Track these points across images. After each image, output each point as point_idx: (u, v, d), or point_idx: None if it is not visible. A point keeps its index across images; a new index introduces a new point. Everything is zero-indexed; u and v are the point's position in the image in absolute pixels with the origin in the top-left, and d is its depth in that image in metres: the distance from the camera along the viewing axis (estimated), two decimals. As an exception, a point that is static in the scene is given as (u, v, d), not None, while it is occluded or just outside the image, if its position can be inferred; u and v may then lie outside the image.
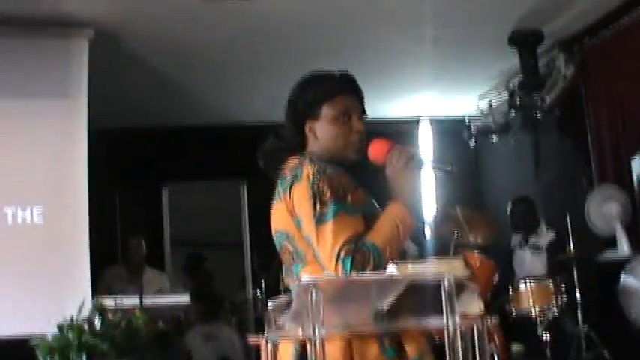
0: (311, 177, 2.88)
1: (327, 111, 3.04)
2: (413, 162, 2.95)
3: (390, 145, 2.99)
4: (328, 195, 2.85)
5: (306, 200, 2.87)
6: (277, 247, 3.05)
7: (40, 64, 6.39)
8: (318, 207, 2.84)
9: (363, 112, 3.10)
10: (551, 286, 6.52)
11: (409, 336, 2.86)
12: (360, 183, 3.01)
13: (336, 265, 2.73)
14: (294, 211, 2.92)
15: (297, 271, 2.93)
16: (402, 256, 2.85)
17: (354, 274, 2.69)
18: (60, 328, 4.80)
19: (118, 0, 6.26)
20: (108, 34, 6.65)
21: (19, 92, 6.29)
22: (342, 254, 2.74)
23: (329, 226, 2.80)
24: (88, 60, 6.47)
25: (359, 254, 2.74)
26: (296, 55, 7.50)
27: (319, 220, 2.82)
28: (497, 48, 7.49)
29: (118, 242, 8.59)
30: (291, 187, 2.94)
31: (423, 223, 6.85)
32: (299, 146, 3.11)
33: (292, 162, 3.02)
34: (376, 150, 2.99)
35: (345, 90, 3.09)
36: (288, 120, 3.14)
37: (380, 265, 2.72)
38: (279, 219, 3.01)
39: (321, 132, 3.06)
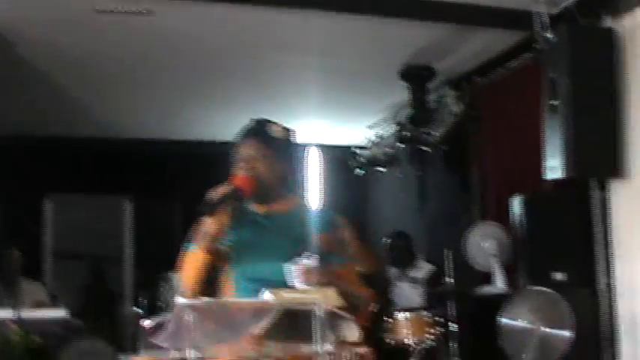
0: None
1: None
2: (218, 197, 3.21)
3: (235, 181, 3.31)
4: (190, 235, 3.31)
5: None
6: None
7: None
8: None
9: (267, 151, 3.40)
10: (427, 317, 6.65)
11: None
12: None
13: None
14: None
15: None
16: None
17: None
18: None
19: (12, 2, 6.13)
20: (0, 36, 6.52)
21: None
22: None
23: None
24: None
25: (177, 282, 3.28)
26: (191, 76, 7.51)
27: None
28: (388, 81, 7.58)
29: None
30: None
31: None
32: None
33: None
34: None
35: (247, 136, 3.44)
36: None
37: (181, 289, 3.20)
38: None
39: None
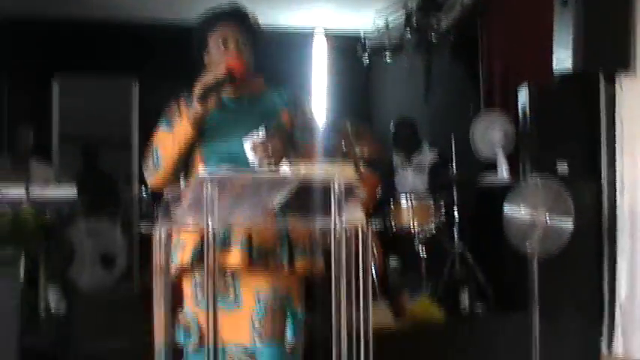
0: None
1: (209, 42, 3.43)
2: (211, 82, 3.25)
3: (227, 62, 3.31)
4: (164, 115, 3.44)
5: None
6: None
7: None
8: None
9: (245, 36, 3.43)
10: (431, 204, 6.73)
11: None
12: None
13: None
14: None
15: None
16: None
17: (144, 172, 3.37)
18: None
19: None
20: None
21: None
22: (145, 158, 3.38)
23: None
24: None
25: (147, 155, 3.40)
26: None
27: None
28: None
29: (4, 135, 8.45)
30: None
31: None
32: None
33: None
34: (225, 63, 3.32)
35: (224, 19, 3.44)
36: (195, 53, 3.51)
37: (156, 165, 3.35)
38: None
39: (208, 60, 3.44)
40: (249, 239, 3.15)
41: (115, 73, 8.78)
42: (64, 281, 6.92)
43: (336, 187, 2.47)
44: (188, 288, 3.32)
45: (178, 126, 3.32)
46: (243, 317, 3.23)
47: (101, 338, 5.49)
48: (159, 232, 2.68)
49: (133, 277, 7.79)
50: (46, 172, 7.72)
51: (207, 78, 3.25)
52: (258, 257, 3.19)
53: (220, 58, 3.38)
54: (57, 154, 8.86)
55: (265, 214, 2.67)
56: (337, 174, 2.53)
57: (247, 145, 3.15)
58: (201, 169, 2.64)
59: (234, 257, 3.16)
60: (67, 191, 6.48)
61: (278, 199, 2.56)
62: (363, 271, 2.65)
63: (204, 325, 3.15)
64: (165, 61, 8.34)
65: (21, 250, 4.93)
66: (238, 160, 3.14)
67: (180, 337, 3.33)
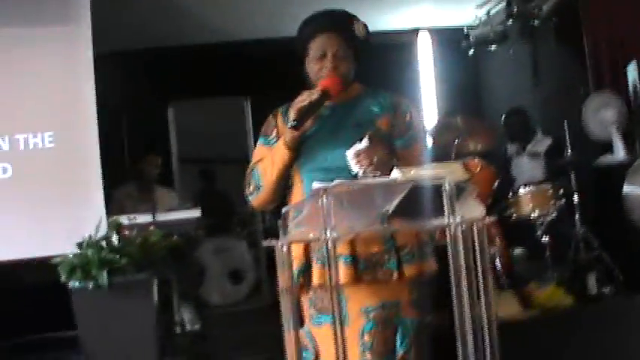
0: None
1: (309, 51, 3.40)
2: (307, 105, 3.22)
3: (322, 83, 3.30)
4: (263, 130, 3.52)
5: None
6: None
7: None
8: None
9: (343, 46, 3.36)
10: (549, 190, 6.67)
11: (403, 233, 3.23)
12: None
13: None
14: None
15: None
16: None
17: (245, 192, 3.42)
18: (79, 246, 4.96)
19: None
20: (107, -44, 6.69)
21: (22, 20, 6.33)
22: (246, 175, 3.44)
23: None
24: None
25: (249, 176, 3.44)
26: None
27: None
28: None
29: (127, 162, 8.71)
30: None
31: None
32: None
33: None
34: (322, 84, 3.31)
35: (323, 30, 3.37)
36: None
37: (258, 187, 3.40)
38: None
39: (308, 70, 3.43)
40: (354, 252, 3.16)
41: (227, 93, 8.96)
42: (197, 299, 7.12)
43: (447, 187, 2.51)
44: (305, 305, 3.31)
45: (276, 150, 3.34)
46: (352, 333, 3.13)
47: (235, 352, 5.65)
48: (279, 247, 2.76)
49: (262, 291, 7.96)
50: (169, 195, 7.94)
51: (303, 101, 3.22)
52: (365, 270, 3.17)
53: (317, 68, 3.36)
54: (178, 177, 9.11)
55: (380, 222, 2.70)
56: (447, 175, 2.57)
57: (350, 155, 3.12)
58: (315, 184, 2.66)
59: (340, 273, 3.02)
60: (191, 213, 6.66)
61: (392, 205, 2.62)
62: (482, 266, 2.67)
63: (318, 343, 3.24)
64: (274, 76, 8.51)
65: (152, 273, 5.10)
66: (337, 169, 3.12)
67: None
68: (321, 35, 3.36)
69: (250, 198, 3.46)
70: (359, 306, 3.19)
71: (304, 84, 3.43)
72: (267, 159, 3.38)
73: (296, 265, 3.17)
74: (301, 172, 3.33)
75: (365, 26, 3.44)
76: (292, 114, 3.22)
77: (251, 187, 3.42)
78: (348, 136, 3.24)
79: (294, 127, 3.21)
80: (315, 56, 3.36)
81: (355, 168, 3.11)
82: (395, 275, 3.18)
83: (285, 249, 2.74)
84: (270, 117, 3.52)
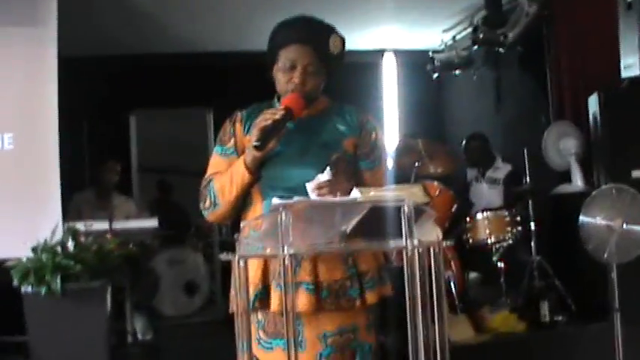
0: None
1: (278, 62, 3.21)
2: (270, 124, 3.05)
3: (284, 101, 3.14)
4: (219, 136, 3.35)
5: None
6: None
7: (9, -10, 6.40)
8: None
9: (315, 59, 3.17)
10: (507, 217, 6.73)
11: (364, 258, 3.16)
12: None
13: None
14: None
15: None
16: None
17: (200, 205, 3.25)
18: (34, 250, 4.92)
19: None
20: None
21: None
22: (201, 187, 3.27)
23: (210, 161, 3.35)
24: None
25: (205, 190, 3.26)
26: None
27: None
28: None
29: (86, 167, 8.66)
30: None
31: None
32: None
33: None
34: (283, 102, 3.17)
35: (295, 40, 3.18)
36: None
37: (215, 204, 3.23)
38: None
39: (275, 78, 3.27)
40: (316, 280, 3.06)
41: (190, 103, 8.94)
42: (150, 309, 7.08)
43: (407, 209, 2.52)
44: (252, 327, 3.02)
45: (236, 169, 3.17)
46: (308, 359, 3.07)
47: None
48: (237, 260, 2.74)
49: (216, 304, 7.93)
50: (127, 203, 7.90)
51: (266, 120, 3.04)
52: (327, 297, 3.06)
53: (284, 80, 3.19)
54: (137, 186, 9.06)
55: (337, 241, 2.69)
56: (407, 196, 2.57)
57: (311, 187, 2.97)
58: (274, 200, 2.62)
59: (301, 301, 3.01)
60: (149, 222, 6.64)
61: (351, 224, 2.62)
62: (437, 289, 2.68)
63: None
64: (237, 88, 8.50)
65: (107, 281, 5.06)
66: (302, 190, 2.96)
67: None
68: (294, 45, 3.17)
69: (205, 213, 3.30)
70: (316, 331, 3.10)
71: (267, 97, 3.35)
72: (226, 176, 3.20)
73: (252, 290, 3.04)
74: (262, 191, 3.17)
75: (342, 41, 3.28)
76: (255, 134, 3.05)
77: (206, 203, 3.25)
78: (315, 156, 3.13)
79: (257, 148, 3.05)
80: (285, 67, 3.18)
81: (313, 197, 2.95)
82: (358, 303, 3.10)
83: (242, 264, 2.72)
84: (227, 122, 3.34)
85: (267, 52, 3.25)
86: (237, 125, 3.29)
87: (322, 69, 3.21)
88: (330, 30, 3.25)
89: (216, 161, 3.31)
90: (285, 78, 3.19)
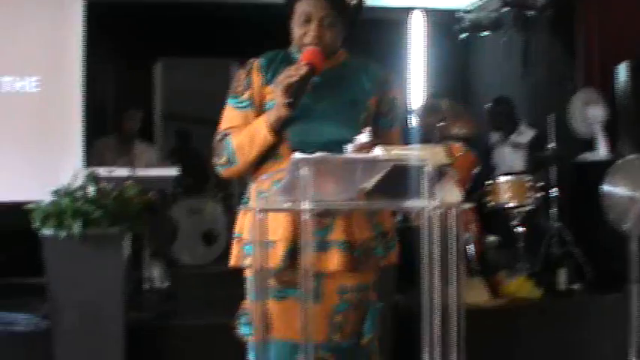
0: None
1: (294, 13, 3.15)
2: (296, 82, 2.98)
3: (305, 56, 3.07)
4: (232, 87, 3.22)
5: None
6: None
7: None
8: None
9: (331, 15, 3.11)
10: (528, 181, 6.70)
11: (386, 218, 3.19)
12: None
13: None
14: None
15: None
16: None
17: (214, 160, 3.12)
18: (55, 193, 4.93)
19: None
20: None
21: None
22: (215, 141, 3.15)
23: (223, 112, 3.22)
24: None
25: (220, 146, 3.15)
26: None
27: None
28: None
29: (110, 114, 8.68)
30: None
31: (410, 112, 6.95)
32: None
33: None
34: (303, 57, 3.09)
35: None
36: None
37: (231, 161, 3.12)
38: None
39: (291, 31, 3.20)
40: (350, 238, 3.03)
41: (216, 54, 8.90)
42: (167, 257, 7.11)
43: (428, 169, 2.51)
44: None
45: (257, 130, 3.07)
46: (322, 312, 3.05)
47: (203, 312, 5.66)
48: (255, 214, 2.73)
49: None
50: (148, 151, 7.92)
51: (291, 77, 2.97)
52: (359, 256, 3.04)
53: (301, 33, 3.13)
54: (159, 134, 9.07)
55: (358, 199, 2.67)
56: (429, 157, 2.56)
57: (351, 148, 2.87)
58: (295, 154, 2.56)
59: (336, 259, 3.01)
60: (169, 170, 6.64)
61: (371, 182, 2.60)
62: (455, 251, 2.67)
63: (274, 318, 3.05)
64: (264, 40, 8.43)
65: (126, 227, 5.07)
66: (335, 144, 2.88)
67: (243, 329, 3.20)
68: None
69: (220, 169, 3.20)
70: (335, 286, 3.09)
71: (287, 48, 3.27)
72: (244, 134, 3.11)
73: (282, 248, 3.02)
74: (292, 146, 3.04)
75: None
76: (282, 92, 2.97)
77: (222, 160, 3.14)
78: (345, 113, 3.12)
79: (289, 106, 2.96)
80: (300, 20, 3.12)
81: None
82: (383, 262, 3.12)
83: (260, 215, 2.71)
84: (240, 71, 3.23)
85: (286, 4, 3.18)
86: (254, 75, 3.18)
87: (340, 21, 3.14)
88: None
89: (231, 114, 3.20)
90: (301, 31, 3.14)
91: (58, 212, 4.75)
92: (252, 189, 3.19)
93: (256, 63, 3.20)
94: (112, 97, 8.95)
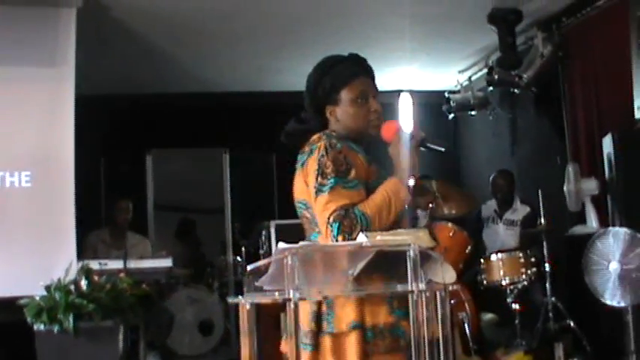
0: (321, 151, 3.11)
1: (345, 96, 3.25)
2: (414, 141, 3.15)
3: (397, 126, 3.19)
4: (330, 169, 3.06)
5: (313, 172, 3.10)
6: (298, 215, 3.26)
7: (28, 31, 6.41)
8: (319, 179, 3.06)
9: (377, 90, 3.30)
10: (521, 258, 6.72)
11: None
12: (374, 159, 3.24)
13: (326, 229, 2.97)
14: (308, 182, 3.14)
15: (314, 239, 3.14)
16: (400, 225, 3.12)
17: (340, 239, 2.91)
18: (47, 289, 4.94)
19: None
20: (96, 1, 6.73)
21: (7, 59, 6.33)
22: (331, 219, 2.96)
23: (325, 197, 3.02)
24: (77, 28, 6.53)
25: (347, 220, 2.95)
26: (282, 26, 7.64)
27: (318, 191, 3.06)
28: (477, 25, 7.61)
29: (102, 207, 8.70)
30: (306, 160, 3.17)
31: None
32: (321, 127, 3.29)
33: (313, 138, 3.22)
34: (387, 130, 3.19)
35: (359, 73, 3.29)
36: (309, 105, 3.33)
37: (366, 230, 2.92)
38: (298, 189, 3.23)
39: (342, 114, 3.26)
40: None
41: (206, 143, 8.99)
42: (164, 348, 7.07)
43: (412, 253, 2.53)
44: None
45: (396, 191, 3.10)
46: None
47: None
48: (244, 304, 2.76)
49: (231, 344, 7.92)
50: (142, 243, 7.93)
51: (412, 158, 3.18)
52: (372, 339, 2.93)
53: (363, 111, 3.24)
54: (153, 225, 9.09)
55: (345, 285, 2.69)
56: (413, 241, 2.58)
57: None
58: (280, 244, 2.61)
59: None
60: (163, 261, 6.64)
61: (357, 268, 2.63)
62: (445, 331, 2.68)
63: None
64: (253, 128, 8.53)
65: (120, 320, 5.07)
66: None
67: None
68: (362, 77, 3.29)
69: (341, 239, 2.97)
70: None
71: (276, 138, 3.35)
72: (380, 199, 3.08)
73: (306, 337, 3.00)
74: None
75: None
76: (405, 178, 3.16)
77: (355, 233, 2.93)
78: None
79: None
80: (356, 100, 3.24)
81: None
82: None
83: (248, 306, 2.73)
84: (325, 154, 3.11)
85: (323, 95, 3.27)
86: (354, 156, 3.17)
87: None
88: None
89: (345, 193, 3.05)
90: (359, 110, 3.25)
91: (50, 307, 4.75)
92: None
93: (340, 146, 3.15)
94: (104, 190, 8.99)
